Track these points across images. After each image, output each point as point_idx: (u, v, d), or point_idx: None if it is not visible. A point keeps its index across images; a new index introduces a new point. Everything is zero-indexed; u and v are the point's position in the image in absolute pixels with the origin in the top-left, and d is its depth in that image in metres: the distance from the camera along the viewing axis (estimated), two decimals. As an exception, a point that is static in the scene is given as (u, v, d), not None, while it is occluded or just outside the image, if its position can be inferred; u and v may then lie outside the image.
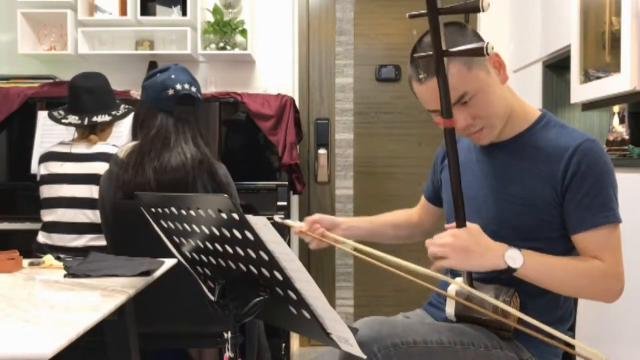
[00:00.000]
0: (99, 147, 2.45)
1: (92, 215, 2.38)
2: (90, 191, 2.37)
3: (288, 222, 1.54)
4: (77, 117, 2.44)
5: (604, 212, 1.29)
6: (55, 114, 2.48)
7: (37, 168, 2.51)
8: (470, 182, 1.41)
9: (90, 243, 2.37)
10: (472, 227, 1.25)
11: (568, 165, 1.30)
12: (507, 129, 1.39)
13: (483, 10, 1.11)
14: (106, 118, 2.45)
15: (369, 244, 1.37)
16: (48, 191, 2.43)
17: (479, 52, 1.14)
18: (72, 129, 2.53)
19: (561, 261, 1.28)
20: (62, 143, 2.49)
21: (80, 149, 2.44)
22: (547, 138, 1.36)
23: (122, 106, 2.55)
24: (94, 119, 2.43)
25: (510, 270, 1.24)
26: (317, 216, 1.55)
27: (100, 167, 2.36)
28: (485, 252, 1.23)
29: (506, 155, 1.39)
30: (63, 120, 2.45)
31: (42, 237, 2.43)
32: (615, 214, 1.30)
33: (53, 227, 2.41)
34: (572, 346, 1.22)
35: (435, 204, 1.66)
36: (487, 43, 1.13)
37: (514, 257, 1.23)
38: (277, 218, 1.52)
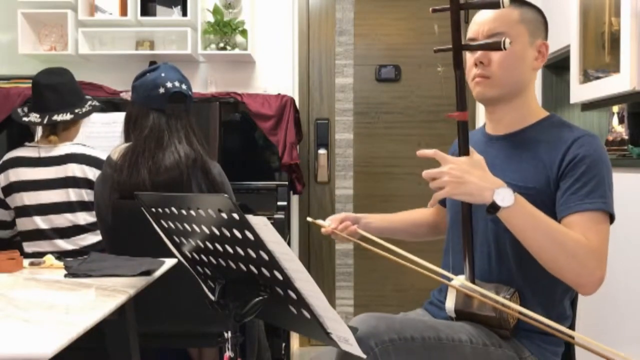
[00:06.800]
0: (68, 148, 2.37)
1: (72, 218, 2.33)
2: (67, 194, 2.32)
3: (319, 221, 1.56)
4: (38, 115, 2.35)
5: (593, 198, 1.27)
6: (19, 110, 2.40)
7: (1, 175, 2.37)
8: None
9: (80, 243, 2.34)
10: (476, 157, 1.26)
11: (565, 154, 1.32)
12: (516, 119, 1.43)
13: (503, 6, 1.18)
14: (67, 117, 2.35)
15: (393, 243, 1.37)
16: (23, 199, 2.34)
17: (497, 47, 1.21)
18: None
19: (551, 222, 1.24)
20: (26, 146, 2.41)
21: (49, 151, 2.36)
22: (551, 133, 1.39)
23: (89, 103, 2.44)
24: (54, 117, 2.34)
25: (495, 207, 1.21)
26: (342, 215, 1.58)
27: (72, 169, 2.32)
28: (478, 183, 1.22)
29: (510, 147, 1.43)
30: (24, 119, 2.37)
31: (29, 247, 2.35)
32: (605, 203, 1.27)
33: (39, 235, 2.33)
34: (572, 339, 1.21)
35: (444, 206, 1.66)
36: (505, 39, 1.21)
37: (503, 196, 1.20)
38: (308, 219, 1.59)
